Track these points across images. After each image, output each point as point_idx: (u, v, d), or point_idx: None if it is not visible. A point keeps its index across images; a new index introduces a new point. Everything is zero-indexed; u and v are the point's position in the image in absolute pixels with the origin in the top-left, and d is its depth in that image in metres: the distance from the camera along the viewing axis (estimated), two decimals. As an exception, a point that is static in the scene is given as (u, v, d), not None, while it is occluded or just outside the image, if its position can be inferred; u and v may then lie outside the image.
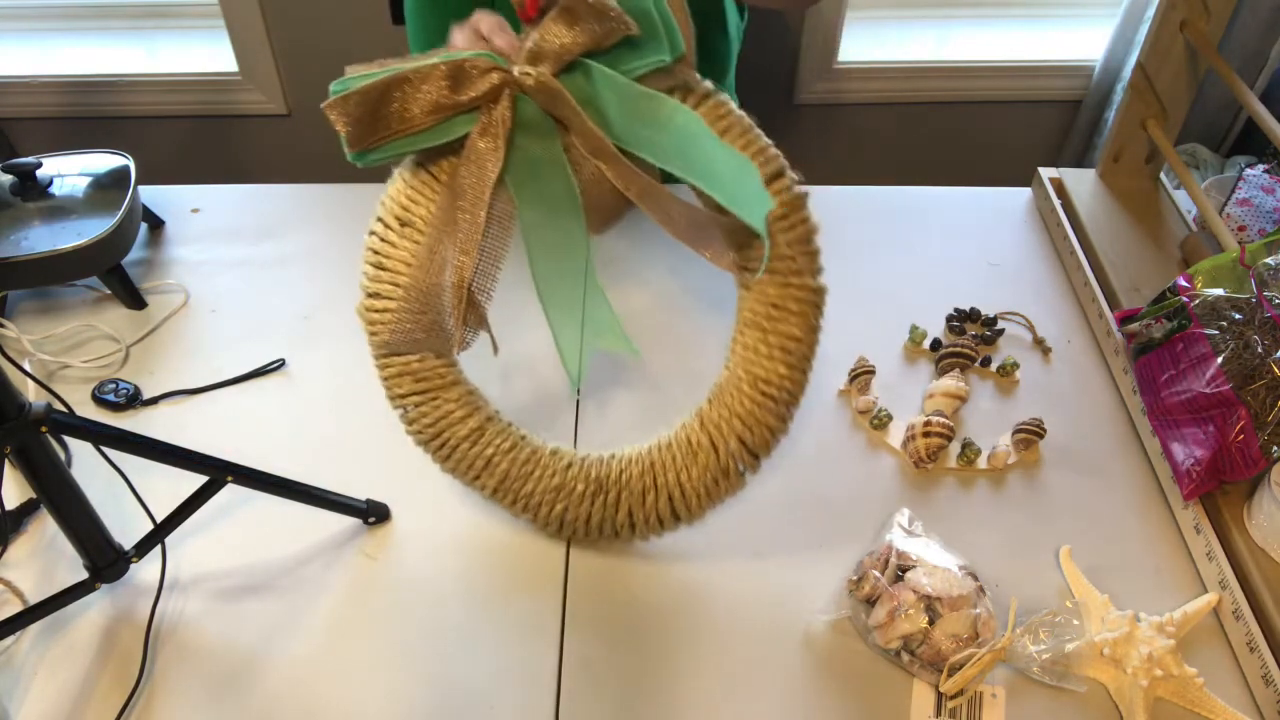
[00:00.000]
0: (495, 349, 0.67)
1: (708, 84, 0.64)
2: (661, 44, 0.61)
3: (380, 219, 0.66)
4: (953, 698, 0.66)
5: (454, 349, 0.66)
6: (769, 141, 0.64)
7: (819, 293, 0.65)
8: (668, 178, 0.63)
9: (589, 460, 0.72)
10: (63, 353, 0.89)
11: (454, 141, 0.62)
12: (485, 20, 0.63)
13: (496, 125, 0.60)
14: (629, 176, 0.62)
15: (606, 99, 0.61)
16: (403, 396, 0.69)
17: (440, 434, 0.70)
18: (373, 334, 0.67)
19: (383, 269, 0.65)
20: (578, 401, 0.86)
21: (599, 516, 0.71)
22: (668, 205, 0.63)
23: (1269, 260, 0.78)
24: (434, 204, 0.64)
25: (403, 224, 0.65)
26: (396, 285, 0.65)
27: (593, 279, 0.68)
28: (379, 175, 1.23)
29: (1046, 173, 1.09)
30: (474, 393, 0.71)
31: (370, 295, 0.66)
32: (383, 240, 0.65)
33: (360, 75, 0.60)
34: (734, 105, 0.64)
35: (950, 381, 0.85)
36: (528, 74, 0.60)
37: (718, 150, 0.62)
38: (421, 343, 0.67)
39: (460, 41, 0.63)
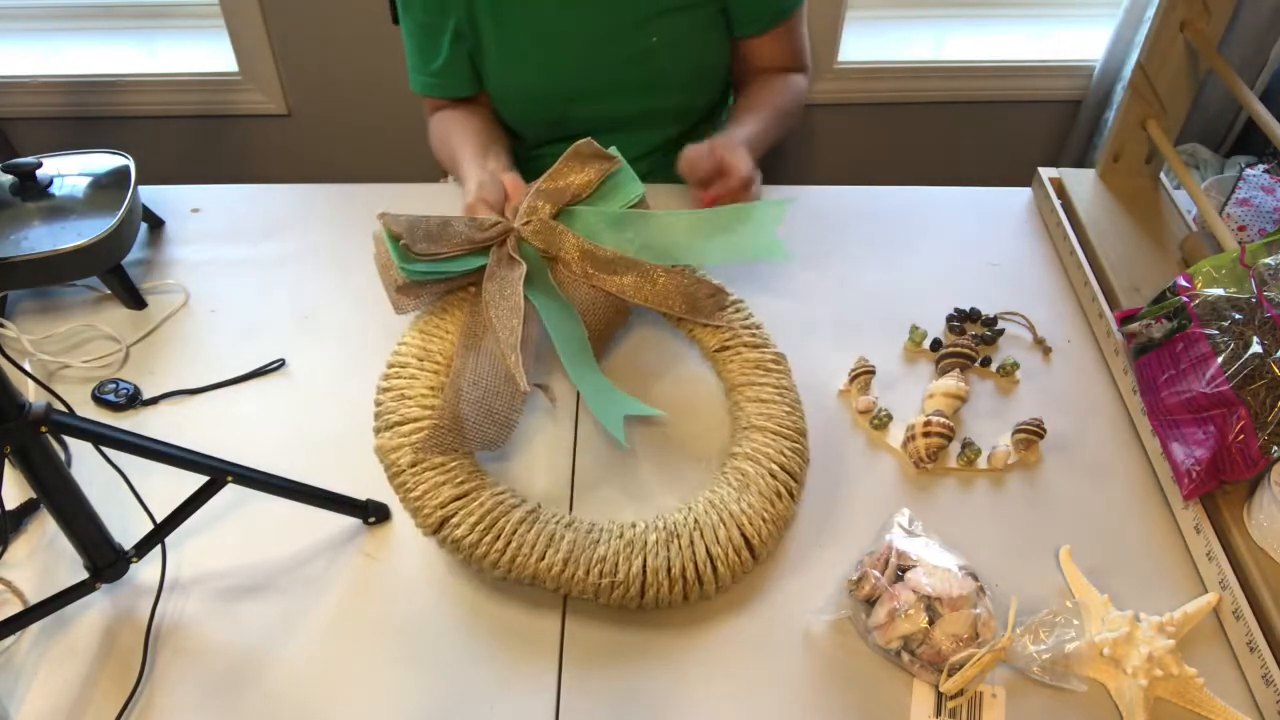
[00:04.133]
0: (552, 400, 0.82)
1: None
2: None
3: (394, 366, 0.78)
4: (953, 698, 0.66)
5: (515, 416, 0.74)
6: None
7: (782, 357, 0.83)
8: None
9: (651, 519, 0.72)
10: (63, 353, 0.90)
11: (461, 286, 0.83)
12: (477, 208, 0.85)
13: (508, 252, 0.82)
14: (623, 268, 0.83)
15: (593, 220, 0.85)
16: (442, 506, 0.69)
17: (494, 525, 0.69)
18: (395, 459, 0.72)
19: (406, 398, 0.75)
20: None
21: (678, 562, 0.69)
22: (662, 284, 0.84)
23: (1269, 260, 0.78)
24: (446, 341, 0.79)
25: (421, 359, 0.78)
26: (425, 407, 0.74)
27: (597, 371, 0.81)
28: (379, 176, 1.23)
29: (1046, 173, 1.09)
30: (503, 486, 0.72)
31: (392, 426, 0.73)
32: (400, 378, 0.77)
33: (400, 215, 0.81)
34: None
35: (950, 381, 0.85)
36: (527, 222, 0.83)
37: (713, 218, 0.87)
38: (461, 442, 0.72)
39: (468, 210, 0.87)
